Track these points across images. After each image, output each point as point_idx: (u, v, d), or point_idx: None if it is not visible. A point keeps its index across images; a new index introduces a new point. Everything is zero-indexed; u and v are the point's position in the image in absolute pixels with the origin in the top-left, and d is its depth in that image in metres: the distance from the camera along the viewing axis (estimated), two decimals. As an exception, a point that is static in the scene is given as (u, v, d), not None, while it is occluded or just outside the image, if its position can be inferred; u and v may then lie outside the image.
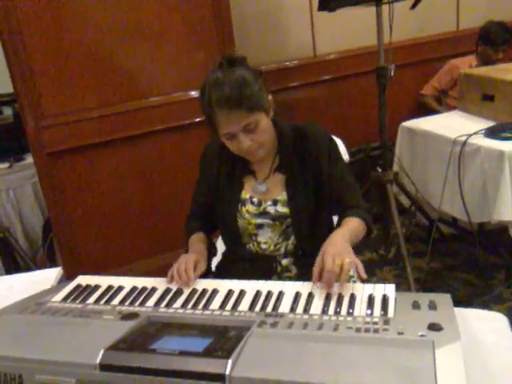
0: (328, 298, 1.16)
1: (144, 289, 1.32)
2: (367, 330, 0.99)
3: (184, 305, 1.22)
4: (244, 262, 1.54)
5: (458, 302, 1.12)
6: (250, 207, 1.50)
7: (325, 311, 1.11)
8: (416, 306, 1.09)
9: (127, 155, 2.67)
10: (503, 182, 2.20)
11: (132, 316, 1.14)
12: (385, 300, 1.12)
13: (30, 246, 3.10)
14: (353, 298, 1.16)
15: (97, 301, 1.28)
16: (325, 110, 3.55)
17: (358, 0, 2.49)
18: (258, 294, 1.23)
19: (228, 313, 1.15)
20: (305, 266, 1.29)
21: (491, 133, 2.35)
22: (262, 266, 1.51)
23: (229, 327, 1.05)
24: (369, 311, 1.09)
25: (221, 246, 1.71)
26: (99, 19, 2.45)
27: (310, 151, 1.47)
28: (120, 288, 1.34)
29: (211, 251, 1.58)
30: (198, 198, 1.63)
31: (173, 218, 2.74)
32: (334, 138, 2.13)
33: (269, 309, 1.15)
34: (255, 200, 1.50)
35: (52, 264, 2.82)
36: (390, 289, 1.18)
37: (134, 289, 1.33)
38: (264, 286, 1.27)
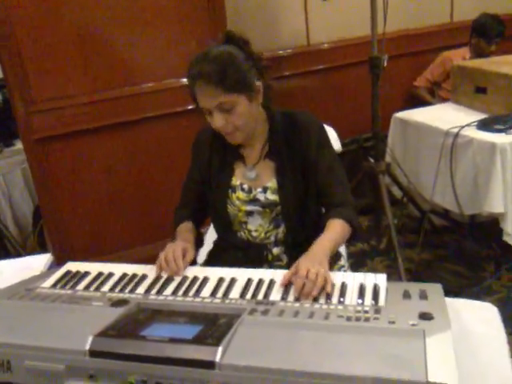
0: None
1: (134, 276, 1.31)
2: (358, 319, 0.99)
3: (174, 292, 1.22)
4: (235, 251, 1.54)
5: (448, 293, 1.12)
6: (240, 194, 1.49)
7: (316, 299, 1.11)
8: (407, 295, 1.09)
9: (118, 142, 2.64)
10: (495, 174, 2.21)
11: (122, 303, 1.14)
12: (376, 289, 1.13)
13: (20, 232, 3.08)
14: (344, 286, 1.16)
15: (86, 287, 1.27)
16: (318, 99, 3.53)
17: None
18: (249, 281, 1.23)
19: (219, 300, 1.15)
20: (296, 255, 1.28)
21: (483, 125, 2.35)
22: (252, 255, 1.51)
23: (219, 315, 1.05)
24: (360, 300, 1.09)
25: (212, 234, 1.71)
26: (91, 4, 2.41)
27: (300, 138, 1.45)
28: (110, 275, 1.33)
29: (198, 242, 1.57)
30: (189, 186, 1.62)
31: (164, 206, 2.73)
32: (326, 127, 2.14)
33: (260, 297, 1.15)
34: (245, 187, 1.49)
35: (42, 250, 2.79)
36: (381, 278, 1.18)
37: (124, 276, 1.32)
38: (255, 274, 1.26)
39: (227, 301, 1.14)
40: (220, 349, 0.89)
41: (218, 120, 1.34)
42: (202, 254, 1.76)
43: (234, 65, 1.31)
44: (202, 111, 1.37)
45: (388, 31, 2.52)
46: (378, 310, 1.03)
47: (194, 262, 1.46)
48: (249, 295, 1.16)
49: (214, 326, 0.99)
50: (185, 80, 1.39)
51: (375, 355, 0.87)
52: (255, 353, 0.90)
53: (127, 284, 1.27)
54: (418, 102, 3.58)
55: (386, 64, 2.53)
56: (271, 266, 1.51)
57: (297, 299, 1.13)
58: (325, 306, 1.07)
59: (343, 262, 1.64)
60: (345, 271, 1.59)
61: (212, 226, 1.70)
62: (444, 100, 3.26)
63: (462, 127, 2.37)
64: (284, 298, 1.14)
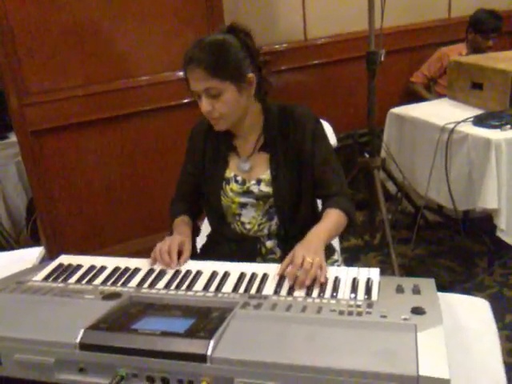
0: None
1: (127, 269, 1.31)
2: (350, 313, 0.99)
3: (167, 286, 1.21)
4: (228, 243, 1.54)
5: (441, 289, 1.12)
6: (234, 186, 1.49)
7: (309, 294, 1.11)
8: (400, 290, 1.09)
9: (113, 135, 2.63)
10: (489, 169, 2.21)
11: (114, 296, 1.13)
12: (369, 284, 1.12)
13: (13, 226, 3.06)
14: (337, 281, 1.16)
15: (78, 280, 1.27)
16: (314, 94, 3.52)
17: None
18: (242, 275, 1.22)
19: (211, 294, 1.14)
20: (289, 248, 1.28)
21: (479, 121, 2.35)
22: (246, 248, 1.51)
23: (212, 308, 1.05)
24: (352, 294, 1.09)
25: (206, 227, 1.70)
26: (87, -4, 2.40)
27: (295, 131, 1.45)
28: (102, 268, 1.32)
29: (195, 234, 1.57)
30: (184, 179, 1.62)
31: (158, 200, 2.72)
32: (322, 122, 2.13)
33: (253, 291, 1.15)
34: (239, 179, 1.49)
35: (35, 244, 2.78)
36: (374, 273, 1.18)
37: (116, 269, 1.31)
38: (248, 268, 1.26)
39: (220, 295, 1.13)
40: (212, 342, 0.89)
41: (205, 105, 1.35)
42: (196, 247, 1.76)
43: (226, 52, 1.32)
44: (193, 94, 1.38)
45: (385, 26, 2.51)
46: (370, 305, 1.03)
47: (193, 253, 1.46)
48: (242, 289, 1.16)
49: (207, 320, 0.98)
50: (181, 73, 1.39)
51: (367, 349, 0.87)
52: (247, 346, 0.90)
53: (119, 277, 1.27)
54: (414, 97, 3.57)
55: (383, 59, 2.52)
56: (264, 259, 1.51)
57: (290, 291, 1.12)
58: (317, 300, 1.07)
59: (337, 256, 1.64)
60: (338, 266, 1.59)
61: (206, 219, 1.69)
62: (440, 96, 3.26)
63: (458, 123, 2.37)
64: (277, 292, 1.14)
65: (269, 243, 1.52)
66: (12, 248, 2.66)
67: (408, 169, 2.75)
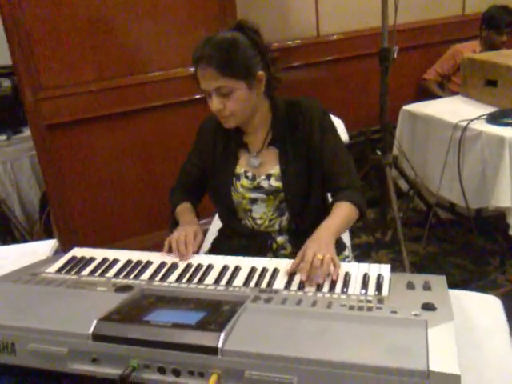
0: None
1: (139, 262, 1.32)
2: (361, 308, 0.99)
3: (179, 279, 1.22)
4: (239, 239, 1.54)
5: (453, 287, 1.12)
6: (244, 181, 1.49)
7: (319, 289, 1.11)
8: (411, 286, 1.09)
9: (125, 130, 2.65)
10: (503, 168, 2.19)
11: (126, 288, 1.14)
12: (379, 279, 1.12)
13: (27, 219, 3.10)
14: (347, 276, 1.16)
15: (91, 273, 1.28)
16: (326, 90, 3.51)
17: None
18: (252, 270, 1.23)
19: (222, 288, 1.15)
20: (300, 244, 1.28)
21: (493, 118, 2.34)
22: (257, 243, 1.51)
23: (222, 301, 1.05)
24: (363, 290, 1.09)
25: (217, 222, 1.71)
26: (101, -9, 2.41)
27: (303, 124, 1.45)
28: (115, 261, 1.34)
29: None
30: (188, 169, 1.62)
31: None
32: (334, 119, 2.13)
33: (263, 285, 1.16)
34: (249, 174, 1.49)
35: (48, 237, 2.81)
36: (385, 269, 1.18)
37: (128, 262, 1.33)
38: (259, 262, 1.27)
39: (231, 288, 1.14)
40: (222, 335, 0.90)
41: (215, 103, 1.35)
42: (207, 242, 1.77)
43: (236, 51, 1.32)
44: (203, 93, 1.39)
45: (399, 23, 2.49)
46: (380, 300, 1.03)
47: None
48: (252, 283, 1.17)
49: (217, 313, 0.99)
50: (192, 69, 1.39)
51: (377, 344, 0.87)
52: (257, 339, 0.90)
53: (132, 270, 1.28)
54: (427, 94, 3.55)
55: (395, 56, 2.51)
56: (275, 254, 1.51)
57: (300, 285, 1.13)
58: (328, 295, 1.07)
59: (347, 252, 1.64)
60: (349, 261, 1.59)
61: (217, 214, 1.70)
62: (453, 93, 3.23)
63: (471, 120, 2.35)
64: (287, 286, 1.14)
65: (280, 239, 1.52)
66: (25, 241, 2.69)
67: (420, 166, 2.73)
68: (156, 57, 2.59)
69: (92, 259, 1.36)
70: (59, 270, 1.30)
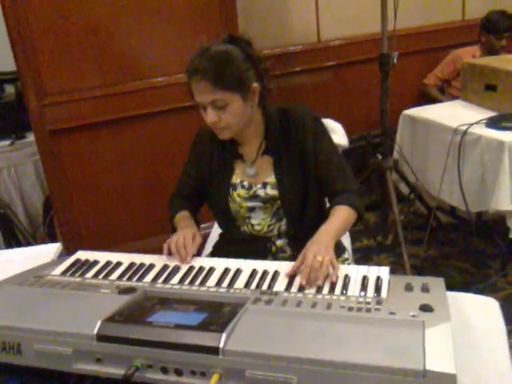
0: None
1: (142, 265, 1.34)
2: (359, 310, 1.01)
3: (181, 281, 1.24)
4: (240, 243, 1.56)
5: (454, 290, 1.14)
6: (240, 191, 1.51)
7: (319, 291, 1.13)
8: (409, 288, 1.11)
9: (129, 135, 2.68)
10: (502, 171, 2.21)
11: (129, 290, 1.16)
12: (378, 281, 1.14)
13: (31, 223, 3.12)
14: (347, 278, 1.18)
15: (95, 275, 1.30)
16: (327, 95, 3.54)
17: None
18: (253, 272, 1.25)
19: (224, 290, 1.17)
20: (299, 247, 1.30)
21: (492, 123, 2.36)
22: (257, 247, 1.53)
23: (224, 303, 1.07)
24: (362, 292, 1.11)
25: (218, 227, 1.73)
26: (104, -2, 2.45)
27: (296, 132, 1.46)
28: (118, 264, 1.36)
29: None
30: (185, 180, 1.64)
31: (172, 200, 2.75)
32: (335, 123, 2.15)
33: (264, 287, 1.18)
34: (245, 184, 1.51)
35: (51, 241, 2.84)
36: (384, 271, 1.19)
37: (132, 265, 1.35)
38: (260, 265, 1.29)
39: (232, 290, 1.16)
40: (224, 335, 0.92)
41: (210, 116, 1.35)
42: (208, 246, 1.79)
43: (231, 64, 1.32)
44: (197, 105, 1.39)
45: (398, 28, 2.52)
46: (379, 302, 1.04)
47: (200, 249, 1.49)
48: (253, 285, 1.19)
49: (219, 314, 1.01)
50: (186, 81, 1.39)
51: (375, 344, 0.89)
52: (258, 340, 0.92)
53: (135, 273, 1.30)
54: (427, 99, 3.57)
55: (396, 61, 2.53)
56: (275, 257, 1.53)
57: (300, 289, 1.15)
58: (327, 297, 1.09)
59: (347, 255, 1.66)
60: (348, 264, 1.60)
61: (216, 223, 1.72)
62: (454, 98, 3.26)
63: (471, 125, 2.37)
64: (287, 288, 1.16)
65: (279, 242, 1.54)
66: (29, 244, 2.71)
67: (421, 170, 2.75)
68: (158, 63, 2.62)
69: (96, 262, 1.38)
70: (64, 273, 1.32)
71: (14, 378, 1.05)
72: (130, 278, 1.27)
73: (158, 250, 1.42)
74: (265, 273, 1.24)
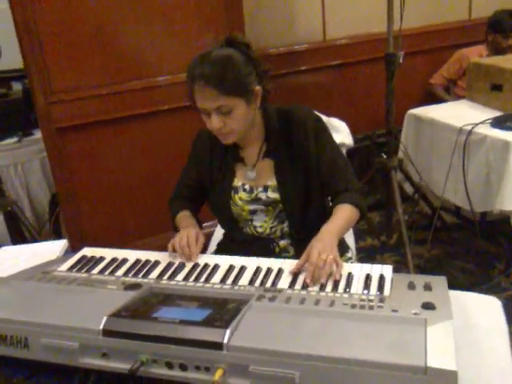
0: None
1: (147, 262, 1.36)
2: (362, 307, 1.02)
3: (186, 278, 1.26)
4: (243, 244, 1.56)
5: (458, 290, 1.14)
6: (242, 194, 1.51)
7: (322, 288, 1.14)
8: (411, 286, 1.12)
9: (134, 133, 2.69)
10: (507, 171, 2.20)
11: (135, 286, 1.18)
12: (381, 280, 1.15)
13: (37, 220, 3.15)
14: (350, 276, 1.19)
15: (101, 271, 1.32)
16: (333, 95, 3.54)
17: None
18: (258, 270, 1.26)
19: (228, 286, 1.18)
20: (302, 247, 1.31)
21: (498, 123, 2.35)
22: (260, 247, 1.53)
23: (228, 300, 1.08)
24: (365, 290, 1.12)
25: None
26: (110, -3, 2.46)
27: (297, 134, 1.45)
28: (124, 260, 1.37)
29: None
30: (185, 181, 1.64)
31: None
32: (340, 122, 2.15)
33: (268, 284, 1.19)
34: (247, 187, 1.51)
35: (58, 238, 2.86)
36: (387, 269, 1.20)
37: (137, 261, 1.36)
38: (264, 262, 1.30)
39: (236, 287, 1.18)
40: (228, 331, 0.93)
41: (215, 122, 1.34)
42: (213, 245, 1.80)
43: (233, 68, 1.30)
44: (199, 111, 1.37)
45: (405, 28, 2.52)
46: (382, 299, 1.05)
47: (204, 248, 1.49)
48: (257, 282, 1.20)
49: (223, 310, 1.02)
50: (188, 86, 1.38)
51: (378, 341, 0.90)
52: (262, 336, 0.94)
53: (140, 269, 1.32)
54: (433, 99, 3.57)
55: (401, 61, 2.53)
56: (279, 257, 1.52)
57: (304, 287, 1.16)
58: (330, 294, 1.10)
59: (350, 254, 1.66)
60: (352, 262, 1.61)
61: (219, 224, 1.72)
62: (459, 97, 3.25)
63: (476, 124, 2.37)
64: (291, 285, 1.17)
65: (282, 243, 1.55)
66: (35, 241, 2.73)
67: (425, 170, 2.75)
68: (164, 61, 2.63)
69: (102, 258, 1.39)
70: (70, 269, 1.34)
71: (20, 371, 1.07)
72: (135, 275, 1.29)
73: (162, 248, 1.43)
74: (269, 270, 1.26)
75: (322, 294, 1.11)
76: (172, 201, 1.67)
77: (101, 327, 0.99)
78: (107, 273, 1.31)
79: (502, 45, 3.35)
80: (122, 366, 0.98)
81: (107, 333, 0.99)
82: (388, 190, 2.76)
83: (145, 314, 1.02)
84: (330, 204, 1.52)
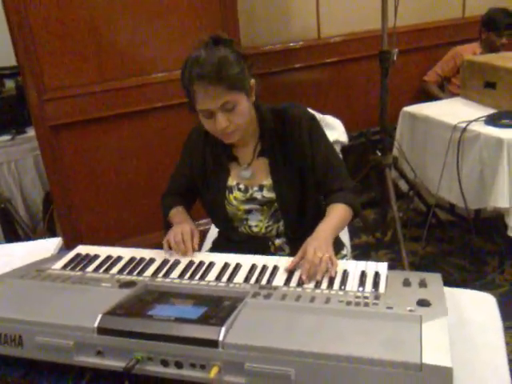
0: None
1: (142, 259, 1.35)
2: (358, 304, 1.02)
3: (181, 275, 1.25)
4: (238, 243, 1.56)
5: (452, 287, 1.14)
6: (237, 194, 1.50)
7: (317, 285, 1.14)
8: (407, 283, 1.12)
9: (128, 131, 2.68)
10: (501, 169, 2.22)
11: (130, 284, 1.17)
12: (376, 277, 1.15)
13: (31, 218, 3.13)
14: (345, 274, 1.19)
15: (96, 269, 1.31)
16: (328, 92, 3.55)
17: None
18: (253, 267, 1.26)
19: (223, 284, 1.18)
20: (298, 245, 1.31)
21: (491, 120, 2.36)
22: (256, 246, 1.52)
23: (223, 297, 1.08)
24: (360, 287, 1.12)
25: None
26: (104, -7, 2.45)
27: (292, 133, 1.45)
28: (119, 258, 1.37)
29: None
30: (178, 179, 1.63)
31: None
32: (335, 120, 2.15)
33: (263, 281, 1.19)
34: (242, 186, 1.50)
35: (52, 236, 2.84)
36: (382, 266, 1.21)
37: (132, 259, 1.36)
38: (259, 260, 1.30)
39: (231, 285, 1.17)
40: (223, 329, 0.93)
41: (222, 121, 1.32)
42: (208, 243, 1.80)
43: (230, 64, 1.30)
44: (201, 114, 1.35)
45: (399, 25, 2.52)
46: (377, 296, 1.06)
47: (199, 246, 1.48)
48: (253, 280, 1.20)
49: (218, 308, 1.02)
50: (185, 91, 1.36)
51: (373, 338, 0.90)
52: (257, 333, 0.94)
53: (135, 267, 1.31)
54: (427, 96, 3.58)
55: (396, 58, 2.54)
56: (274, 255, 1.53)
57: (299, 284, 1.16)
58: (326, 292, 1.10)
59: (345, 251, 1.66)
60: (347, 260, 1.61)
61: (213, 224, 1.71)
62: (453, 95, 3.26)
63: (470, 122, 2.37)
64: (286, 283, 1.17)
65: (278, 241, 1.55)
66: (29, 239, 2.72)
67: (420, 167, 2.76)
68: (158, 58, 2.62)
69: (96, 256, 1.39)
70: (64, 267, 1.33)
71: (15, 369, 1.06)
72: (130, 272, 1.28)
73: (158, 246, 1.43)
74: (264, 267, 1.25)
75: (318, 291, 1.11)
76: (164, 197, 1.66)
77: (95, 325, 0.99)
78: (102, 271, 1.30)
79: (495, 43, 3.36)
80: (117, 363, 0.97)
81: (102, 331, 0.99)
82: (383, 187, 2.76)
83: (140, 312, 1.02)
84: (324, 202, 1.52)
